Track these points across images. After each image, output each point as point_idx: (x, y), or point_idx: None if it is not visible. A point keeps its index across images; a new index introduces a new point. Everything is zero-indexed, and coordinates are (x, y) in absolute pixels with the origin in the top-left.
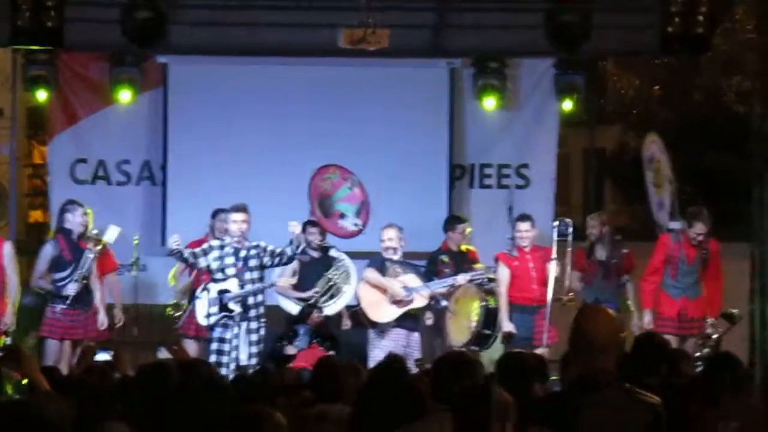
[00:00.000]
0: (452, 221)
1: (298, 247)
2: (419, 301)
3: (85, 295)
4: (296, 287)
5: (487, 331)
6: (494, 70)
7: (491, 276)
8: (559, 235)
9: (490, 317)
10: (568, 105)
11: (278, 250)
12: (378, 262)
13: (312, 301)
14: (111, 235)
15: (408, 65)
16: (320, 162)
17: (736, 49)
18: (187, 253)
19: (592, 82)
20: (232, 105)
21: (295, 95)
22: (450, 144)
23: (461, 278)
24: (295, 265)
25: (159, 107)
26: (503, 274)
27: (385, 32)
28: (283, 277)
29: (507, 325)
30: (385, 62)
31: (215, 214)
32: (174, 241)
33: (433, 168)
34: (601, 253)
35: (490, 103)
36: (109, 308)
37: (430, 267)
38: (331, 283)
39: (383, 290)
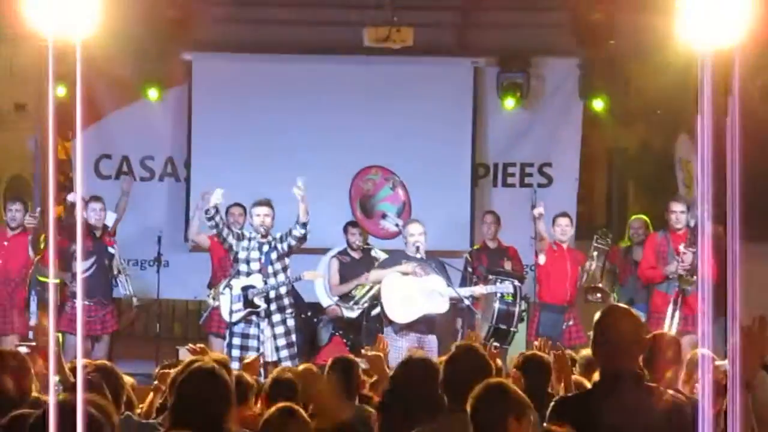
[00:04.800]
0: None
1: (303, 223)
2: (439, 306)
3: (106, 289)
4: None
5: (503, 326)
6: (518, 69)
7: (508, 295)
8: (596, 242)
9: (505, 313)
10: (599, 104)
11: (287, 231)
12: (394, 263)
13: (354, 302)
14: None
15: (432, 63)
16: (344, 160)
17: (761, 47)
18: (222, 222)
19: (616, 82)
20: (255, 102)
21: (319, 93)
22: (473, 143)
23: (478, 290)
24: (335, 264)
25: (183, 104)
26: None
27: (409, 30)
28: (314, 270)
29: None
30: (409, 60)
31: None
32: (216, 198)
33: (456, 167)
34: (638, 255)
35: (513, 102)
36: (119, 302)
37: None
38: (373, 292)
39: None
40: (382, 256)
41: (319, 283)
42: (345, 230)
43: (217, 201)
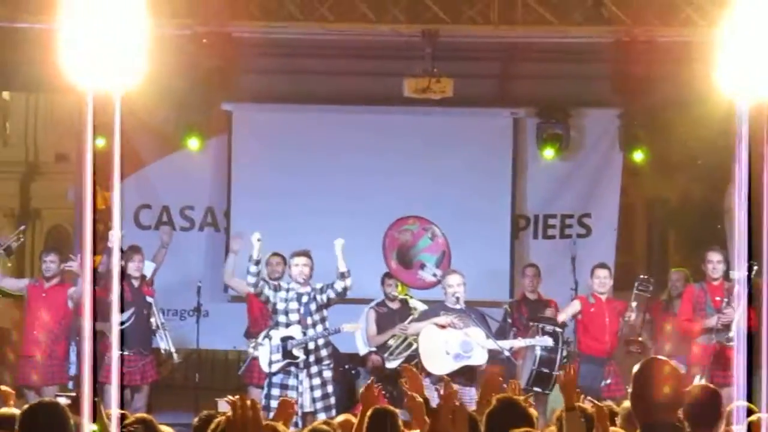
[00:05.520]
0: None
1: (342, 274)
2: (478, 358)
3: (145, 340)
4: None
5: (546, 370)
6: (558, 120)
7: (548, 344)
8: (637, 289)
9: (547, 358)
10: (639, 155)
11: (328, 284)
12: (434, 314)
13: (389, 353)
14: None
15: (472, 114)
16: (383, 210)
17: None
18: (262, 271)
19: (656, 133)
20: (295, 152)
21: (359, 143)
22: (513, 194)
23: (518, 343)
24: (372, 315)
25: (223, 154)
26: (574, 308)
27: (449, 81)
28: (354, 322)
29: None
30: (449, 111)
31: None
32: (256, 247)
33: (495, 217)
34: (676, 307)
35: (553, 152)
36: (158, 352)
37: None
38: (409, 341)
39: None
40: (420, 306)
41: (358, 334)
42: (382, 282)
43: (256, 252)
